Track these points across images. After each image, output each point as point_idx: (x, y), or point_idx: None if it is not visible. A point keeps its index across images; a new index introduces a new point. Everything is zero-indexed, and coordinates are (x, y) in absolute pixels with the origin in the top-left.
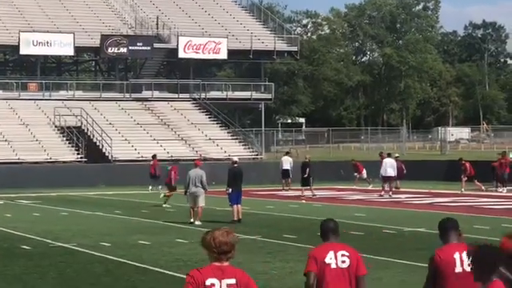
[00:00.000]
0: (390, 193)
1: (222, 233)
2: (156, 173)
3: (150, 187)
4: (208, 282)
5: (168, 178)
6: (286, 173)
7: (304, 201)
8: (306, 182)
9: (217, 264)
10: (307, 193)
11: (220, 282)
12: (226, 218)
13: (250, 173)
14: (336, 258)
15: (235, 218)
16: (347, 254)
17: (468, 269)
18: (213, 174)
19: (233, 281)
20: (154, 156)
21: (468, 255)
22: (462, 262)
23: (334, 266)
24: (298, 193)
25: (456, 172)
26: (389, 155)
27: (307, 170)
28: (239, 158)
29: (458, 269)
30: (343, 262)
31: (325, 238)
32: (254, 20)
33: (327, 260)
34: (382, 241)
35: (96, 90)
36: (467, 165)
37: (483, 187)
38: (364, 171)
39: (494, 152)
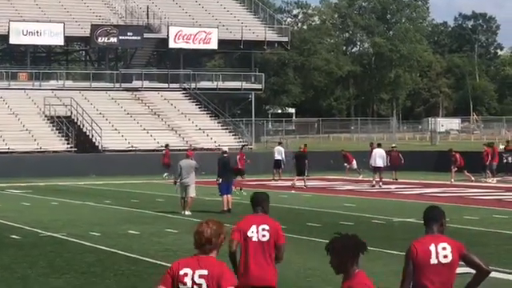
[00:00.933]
0: (380, 183)
1: (203, 223)
2: (169, 162)
3: (165, 174)
4: (182, 271)
5: (240, 163)
6: (277, 163)
7: (293, 191)
8: (301, 172)
9: (198, 255)
10: (299, 183)
11: (193, 272)
12: (216, 208)
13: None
14: (257, 231)
15: (225, 208)
16: (267, 228)
17: (443, 261)
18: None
19: (205, 272)
20: (167, 145)
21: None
22: (437, 253)
23: (255, 239)
24: (289, 183)
25: (446, 163)
26: (379, 145)
27: (305, 161)
28: (229, 148)
29: (434, 261)
30: (263, 235)
31: (253, 210)
32: (244, 10)
33: (249, 233)
34: (372, 231)
35: (86, 79)
36: (457, 155)
37: (473, 178)
38: (354, 161)
39: (484, 143)
